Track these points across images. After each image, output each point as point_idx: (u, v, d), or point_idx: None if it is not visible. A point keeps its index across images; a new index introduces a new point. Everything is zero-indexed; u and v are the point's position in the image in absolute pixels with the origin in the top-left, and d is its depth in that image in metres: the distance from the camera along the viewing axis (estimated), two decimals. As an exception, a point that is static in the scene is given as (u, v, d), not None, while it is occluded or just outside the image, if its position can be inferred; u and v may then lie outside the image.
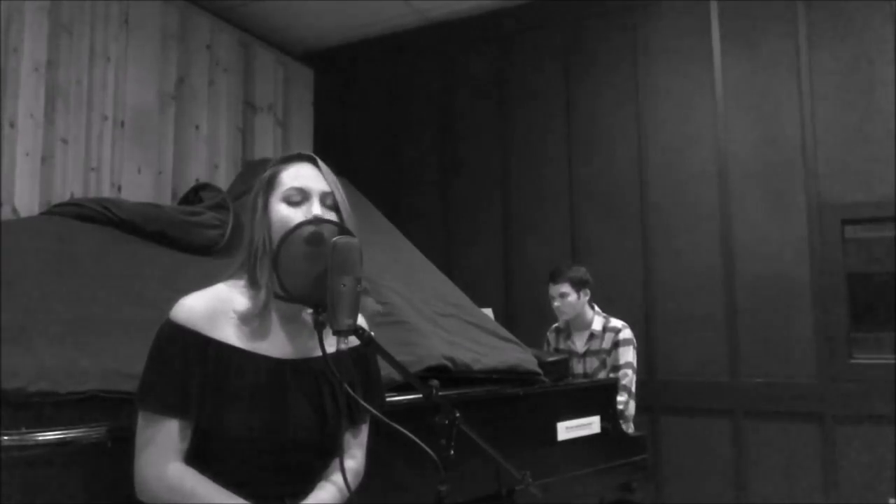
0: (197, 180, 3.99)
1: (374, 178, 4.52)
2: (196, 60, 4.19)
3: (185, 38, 4.13)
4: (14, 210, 3.17)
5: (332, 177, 1.29)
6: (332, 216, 1.25)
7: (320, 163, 1.30)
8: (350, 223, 1.26)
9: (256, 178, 1.33)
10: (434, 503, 1.14)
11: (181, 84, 4.08)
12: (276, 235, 1.21)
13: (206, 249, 2.48)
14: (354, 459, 1.33)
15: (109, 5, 3.69)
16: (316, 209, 1.23)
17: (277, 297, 1.22)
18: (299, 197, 1.24)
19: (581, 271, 3.30)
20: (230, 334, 1.21)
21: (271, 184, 1.27)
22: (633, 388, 3.20)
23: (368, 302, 1.32)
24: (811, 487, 3.38)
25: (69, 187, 3.42)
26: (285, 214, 1.22)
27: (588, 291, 3.31)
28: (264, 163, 1.41)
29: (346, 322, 1.12)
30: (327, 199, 1.26)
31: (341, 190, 1.30)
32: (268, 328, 1.25)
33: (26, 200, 3.22)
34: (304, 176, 1.26)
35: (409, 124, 4.71)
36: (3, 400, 1.38)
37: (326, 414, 1.24)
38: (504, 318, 3.91)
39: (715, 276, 3.68)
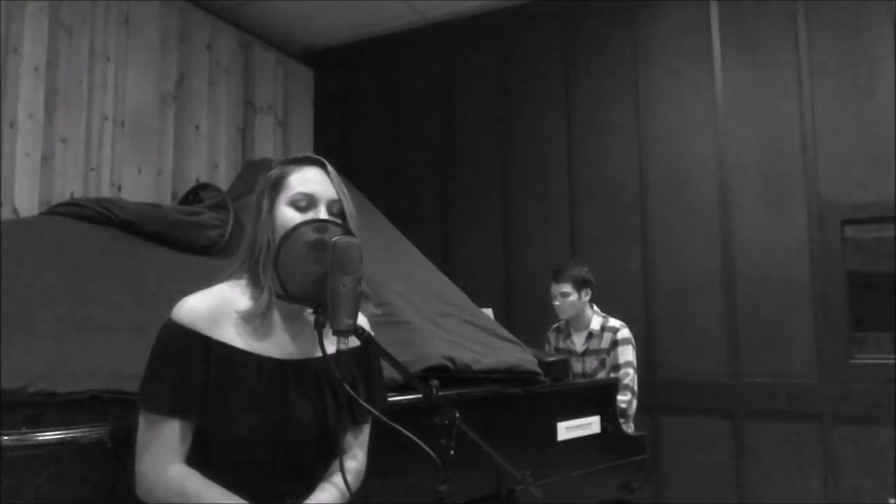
0: (197, 180, 4.00)
1: (374, 178, 4.52)
2: (196, 60, 4.19)
3: (185, 38, 4.13)
4: (14, 210, 3.17)
5: (340, 183, 1.28)
6: None
7: (329, 168, 1.29)
8: (354, 229, 1.25)
9: (257, 177, 1.33)
10: (434, 503, 1.14)
11: (181, 84, 4.08)
12: (279, 237, 1.20)
13: (206, 249, 2.48)
14: (355, 460, 1.33)
15: (109, 5, 3.69)
16: (322, 216, 1.23)
17: (278, 297, 1.22)
18: (306, 202, 1.24)
19: (583, 271, 3.31)
20: (232, 335, 1.21)
21: (278, 185, 1.26)
22: (635, 387, 3.20)
23: (369, 307, 1.32)
24: (811, 487, 3.38)
25: (69, 187, 3.42)
26: (290, 218, 1.22)
27: (589, 291, 3.32)
28: (264, 163, 1.41)
29: (346, 322, 1.13)
30: (334, 207, 1.25)
31: (349, 196, 1.29)
32: (269, 328, 1.25)
33: (26, 200, 3.22)
34: (312, 181, 1.26)
35: (409, 124, 4.71)
36: (3, 400, 1.39)
37: (327, 414, 1.24)
38: (504, 318, 3.91)
39: (715, 276, 3.68)
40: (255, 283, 1.24)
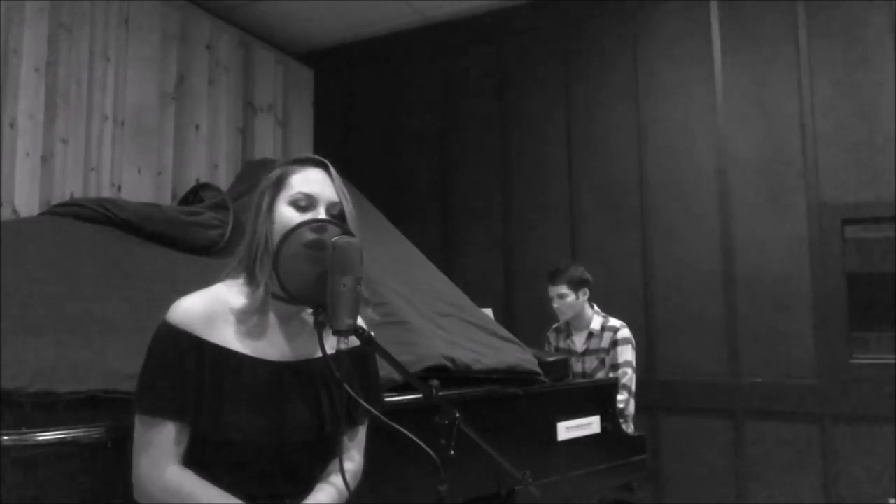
0: (197, 180, 3.99)
1: (374, 177, 4.52)
2: (196, 60, 4.19)
3: (185, 38, 4.13)
4: (14, 210, 3.17)
5: (341, 184, 1.28)
6: None
7: (332, 170, 1.29)
8: (354, 231, 1.25)
9: (257, 177, 1.33)
10: (434, 503, 1.14)
11: (181, 84, 4.08)
12: (278, 236, 1.20)
13: (206, 249, 2.48)
14: (352, 461, 1.33)
15: (109, 5, 3.69)
16: (321, 216, 1.22)
17: (277, 297, 1.22)
18: (306, 202, 1.23)
19: (579, 271, 3.31)
20: (227, 336, 1.20)
21: (279, 184, 1.26)
22: (633, 387, 3.20)
23: (368, 312, 1.32)
24: (811, 487, 3.38)
25: (69, 187, 3.42)
26: (290, 217, 1.21)
27: (587, 290, 3.31)
28: (264, 163, 1.41)
29: (346, 322, 1.12)
30: (334, 209, 1.25)
31: (350, 199, 1.29)
32: (265, 329, 1.24)
33: (26, 200, 3.22)
34: (313, 181, 1.25)
35: (409, 124, 4.71)
36: (3, 400, 1.39)
37: (324, 416, 1.24)
38: (504, 318, 3.91)
39: (715, 276, 3.68)
40: (252, 281, 1.23)
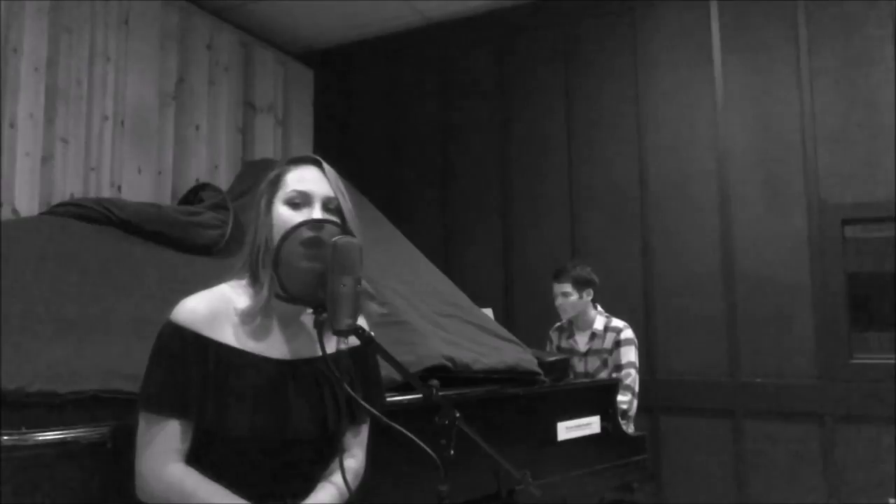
0: (197, 180, 3.99)
1: (374, 178, 4.52)
2: (196, 60, 4.19)
3: (185, 38, 4.13)
4: (14, 210, 3.17)
5: (336, 181, 1.29)
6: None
7: (325, 166, 1.30)
8: (353, 227, 1.25)
9: (257, 177, 1.33)
10: (434, 503, 1.14)
11: (181, 84, 4.08)
12: (277, 236, 1.21)
13: (206, 249, 2.48)
14: (355, 459, 1.33)
15: (109, 5, 3.69)
16: (317, 214, 1.23)
17: (278, 297, 1.22)
18: (300, 199, 1.24)
19: (585, 271, 3.32)
20: (231, 335, 1.21)
21: (276, 184, 1.27)
22: (637, 388, 3.20)
23: (373, 307, 1.32)
24: (811, 487, 3.38)
25: (69, 187, 3.42)
26: (286, 216, 1.22)
27: (591, 291, 3.32)
28: (264, 163, 1.42)
29: (346, 322, 1.13)
30: (330, 204, 1.26)
31: (346, 195, 1.29)
32: (268, 329, 1.25)
33: (26, 200, 3.22)
34: (307, 179, 1.26)
35: (408, 124, 4.71)
36: (3, 400, 1.39)
37: (326, 414, 1.25)
38: (504, 318, 3.91)
39: (715, 276, 3.68)
40: (256, 282, 1.24)
